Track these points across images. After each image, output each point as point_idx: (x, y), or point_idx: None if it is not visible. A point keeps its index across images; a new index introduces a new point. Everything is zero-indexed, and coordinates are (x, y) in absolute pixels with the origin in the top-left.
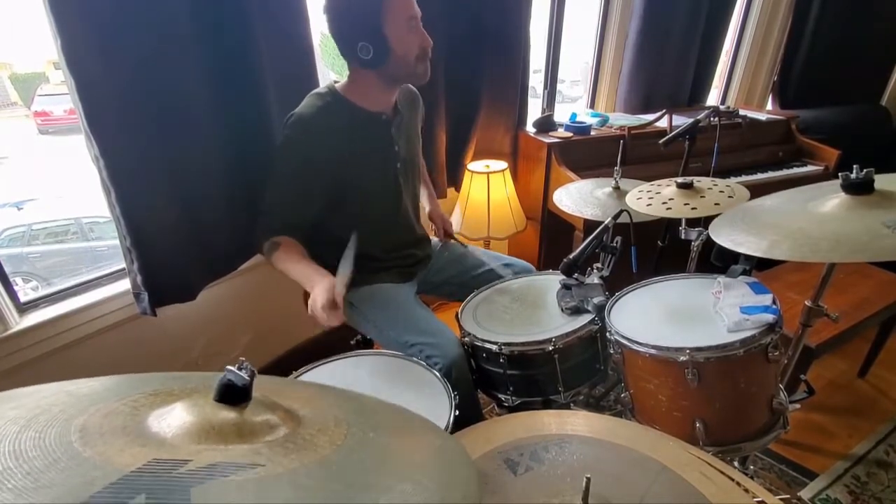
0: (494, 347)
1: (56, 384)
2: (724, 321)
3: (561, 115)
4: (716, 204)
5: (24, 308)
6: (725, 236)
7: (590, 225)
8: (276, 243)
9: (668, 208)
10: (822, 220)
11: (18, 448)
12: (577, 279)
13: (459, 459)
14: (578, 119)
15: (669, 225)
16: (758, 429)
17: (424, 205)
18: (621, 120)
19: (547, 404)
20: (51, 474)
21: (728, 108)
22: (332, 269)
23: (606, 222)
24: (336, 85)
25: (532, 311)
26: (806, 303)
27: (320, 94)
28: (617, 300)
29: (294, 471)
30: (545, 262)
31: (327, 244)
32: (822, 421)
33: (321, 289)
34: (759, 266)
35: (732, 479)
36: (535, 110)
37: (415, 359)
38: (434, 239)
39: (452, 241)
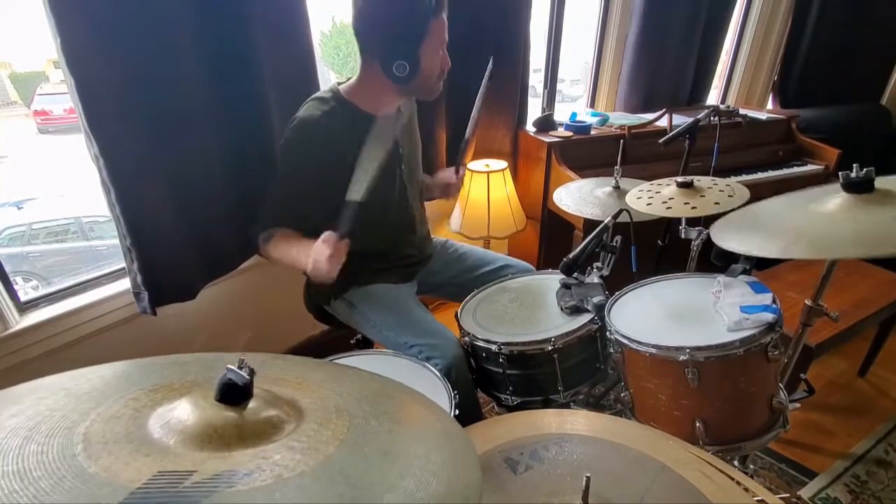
0: (494, 347)
1: (53, 379)
2: (724, 320)
3: (561, 114)
4: (716, 203)
5: (24, 307)
6: (737, 241)
7: (590, 224)
8: (269, 234)
9: (668, 207)
10: (832, 220)
11: (23, 467)
12: (576, 278)
13: (461, 444)
14: (578, 118)
15: (669, 224)
16: (758, 428)
17: (433, 188)
18: (621, 119)
19: (547, 404)
20: (57, 496)
21: (728, 107)
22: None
23: (606, 221)
24: (339, 87)
25: (532, 310)
26: (806, 302)
27: (323, 98)
28: (617, 299)
29: (300, 475)
30: (545, 261)
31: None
32: (821, 420)
33: (320, 242)
34: (758, 265)
35: (732, 479)
36: (535, 110)
37: (415, 358)
38: (435, 238)
39: (461, 165)
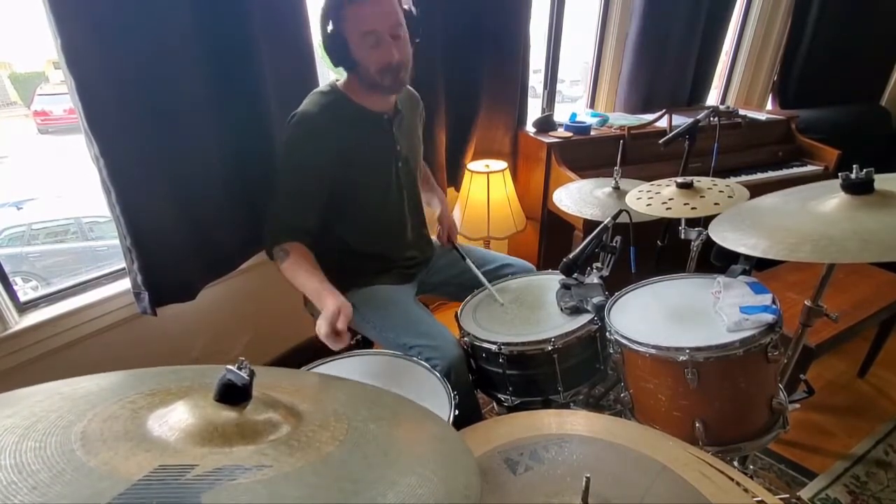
0: (494, 347)
1: (49, 385)
2: (724, 321)
3: (561, 114)
4: (715, 204)
5: (23, 308)
6: (738, 240)
7: (589, 225)
8: (286, 251)
9: (667, 208)
10: (833, 221)
11: (20, 461)
12: (576, 279)
13: (458, 449)
14: (578, 119)
15: (669, 225)
16: (757, 428)
17: (434, 208)
18: (621, 120)
19: (547, 404)
20: (57, 487)
21: (728, 107)
22: (336, 272)
23: (606, 222)
24: (338, 83)
25: (531, 311)
26: (805, 303)
27: (323, 93)
28: (616, 300)
29: (301, 470)
30: (545, 261)
31: (330, 246)
32: (821, 421)
33: (325, 317)
34: (758, 266)
35: (732, 479)
36: (534, 110)
37: (415, 358)
38: (435, 239)
39: (452, 248)
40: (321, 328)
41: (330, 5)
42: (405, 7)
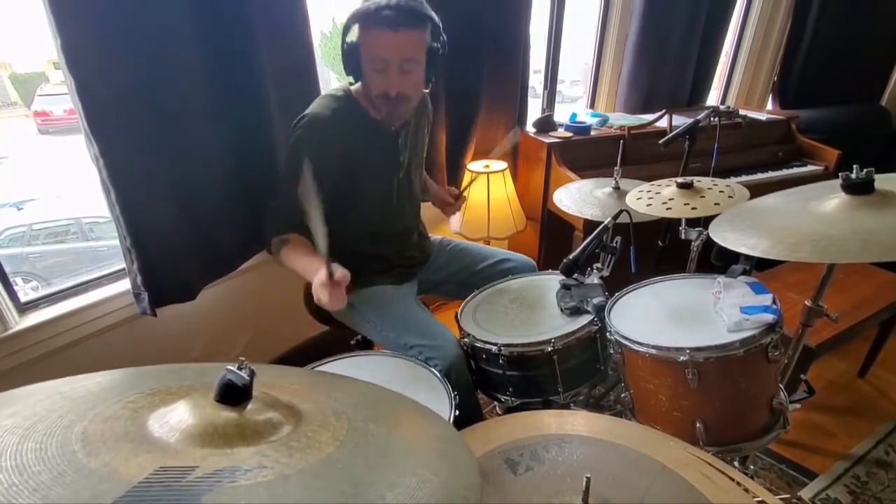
0: (494, 348)
1: (49, 384)
2: (724, 321)
3: (561, 115)
4: (716, 204)
5: (24, 308)
6: (738, 240)
7: (590, 225)
8: (284, 240)
9: (668, 208)
10: (834, 221)
11: (21, 462)
12: (576, 279)
13: (458, 448)
14: (578, 119)
15: (669, 225)
16: (758, 429)
17: (430, 192)
18: (621, 120)
19: (547, 405)
20: (58, 489)
21: (728, 107)
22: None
23: (606, 222)
24: (351, 87)
25: (531, 311)
26: (806, 303)
27: (335, 96)
28: (617, 300)
29: (301, 472)
30: (545, 262)
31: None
32: (822, 421)
33: (320, 275)
34: (758, 266)
35: (732, 479)
36: (535, 110)
37: (415, 359)
38: (434, 237)
39: (463, 196)
40: (318, 283)
41: (354, 19)
42: (434, 44)
